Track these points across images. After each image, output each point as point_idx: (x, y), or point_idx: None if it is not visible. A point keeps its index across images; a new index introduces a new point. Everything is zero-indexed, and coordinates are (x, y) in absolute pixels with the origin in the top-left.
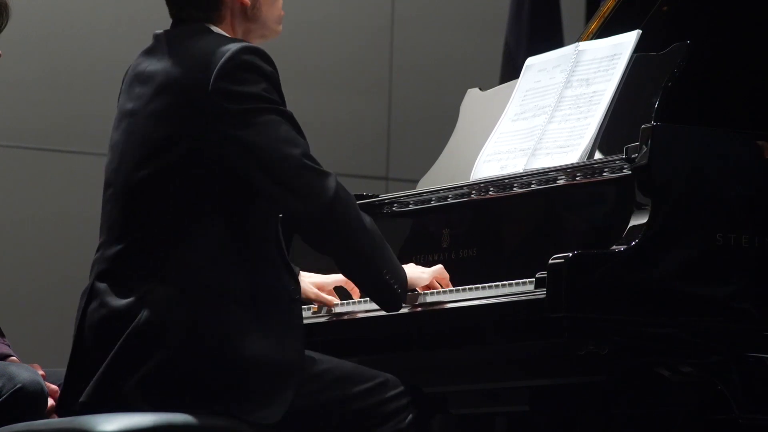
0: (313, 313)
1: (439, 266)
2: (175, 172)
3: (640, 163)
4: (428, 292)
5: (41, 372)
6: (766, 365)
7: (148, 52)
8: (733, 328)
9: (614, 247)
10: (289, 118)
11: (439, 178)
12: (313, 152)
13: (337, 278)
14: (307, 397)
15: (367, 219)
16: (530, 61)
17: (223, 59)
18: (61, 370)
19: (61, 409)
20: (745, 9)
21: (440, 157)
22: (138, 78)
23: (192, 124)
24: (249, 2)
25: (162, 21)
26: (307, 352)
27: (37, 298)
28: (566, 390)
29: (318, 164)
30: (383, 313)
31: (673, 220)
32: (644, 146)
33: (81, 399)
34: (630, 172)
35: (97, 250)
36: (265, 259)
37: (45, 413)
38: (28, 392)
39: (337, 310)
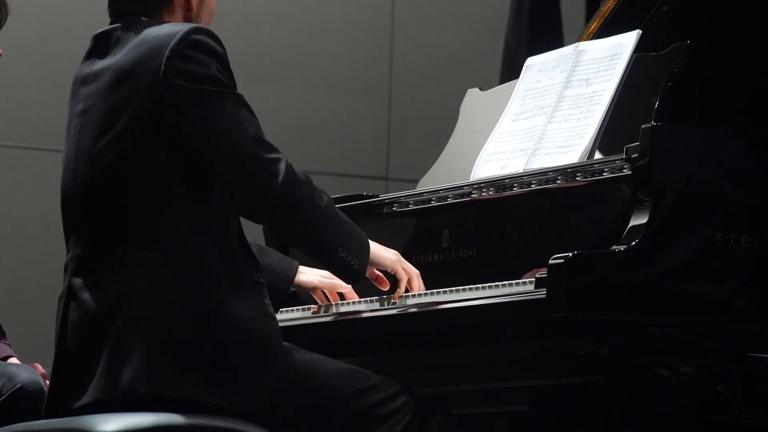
0: (313, 313)
1: (413, 269)
2: (137, 158)
3: (640, 163)
4: (428, 292)
5: (42, 371)
6: (766, 365)
7: (90, 55)
8: (733, 328)
9: (614, 247)
10: (241, 101)
11: (439, 178)
12: (314, 152)
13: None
14: (301, 397)
15: (323, 199)
16: (530, 61)
17: (174, 40)
18: None
19: (51, 410)
20: (745, 9)
21: (440, 157)
22: (84, 81)
23: (149, 109)
24: (193, 11)
25: None
26: (302, 352)
27: (37, 298)
28: (566, 390)
29: (270, 147)
30: (384, 313)
31: (673, 220)
32: (644, 146)
33: (82, 401)
34: (630, 172)
35: (67, 253)
36: (230, 240)
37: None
38: (27, 392)
39: (338, 309)
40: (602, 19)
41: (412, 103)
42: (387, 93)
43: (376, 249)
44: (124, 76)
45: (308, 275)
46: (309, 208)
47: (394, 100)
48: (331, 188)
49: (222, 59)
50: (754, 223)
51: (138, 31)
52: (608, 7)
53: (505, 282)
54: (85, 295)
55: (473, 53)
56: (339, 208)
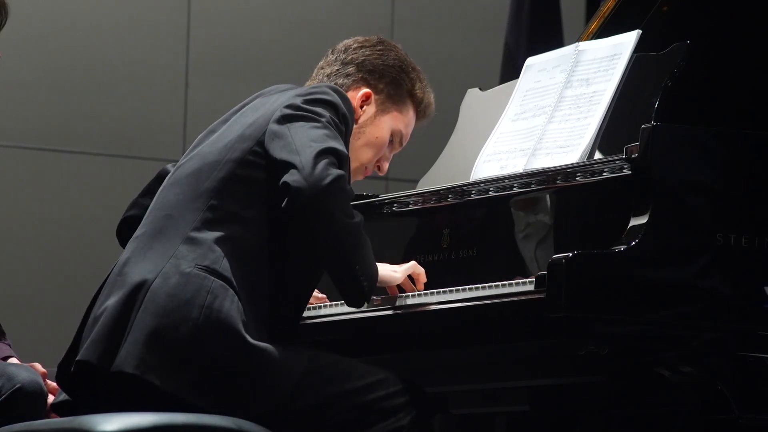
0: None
1: (413, 262)
2: (231, 167)
3: (640, 163)
4: (428, 292)
5: (41, 371)
6: (766, 365)
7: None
8: (733, 328)
9: (614, 247)
10: (331, 134)
11: (439, 178)
12: None
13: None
14: (305, 391)
15: (357, 217)
16: (530, 61)
17: (311, 87)
18: None
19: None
20: (745, 9)
21: (440, 157)
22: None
23: (260, 128)
24: (358, 116)
25: (160, 21)
26: (306, 348)
27: (37, 298)
28: (566, 390)
29: (332, 159)
30: (384, 313)
31: (673, 220)
32: (644, 146)
33: (80, 356)
34: (630, 172)
35: (137, 230)
36: (281, 276)
37: (44, 413)
38: (27, 392)
39: (338, 310)
40: (602, 19)
41: None
42: None
43: (384, 272)
44: (260, 105)
45: None
46: (342, 216)
47: None
48: None
49: (339, 112)
50: (754, 223)
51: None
52: (608, 7)
53: (505, 282)
54: (128, 269)
55: (473, 53)
56: None
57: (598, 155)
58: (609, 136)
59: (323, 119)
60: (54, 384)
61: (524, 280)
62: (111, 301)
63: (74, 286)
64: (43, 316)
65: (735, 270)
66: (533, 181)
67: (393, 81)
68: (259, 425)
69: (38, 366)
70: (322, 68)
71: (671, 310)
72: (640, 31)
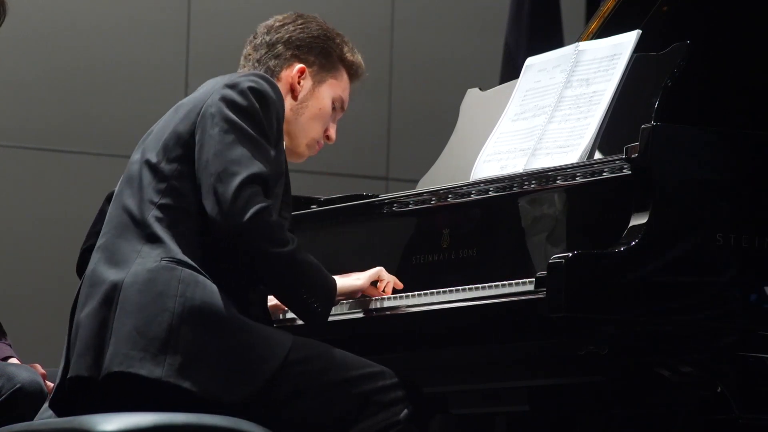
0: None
1: (379, 268)
2: (174, 165)
3: (640, 163)
4: (428, 292)
5: (41, 371)
6: (765, 365)
7: None
8: (733, 328)
9: (614, 247)
10: (262, 149)
11: (439, 178)
12: None
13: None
14: (301, 378)
15: (290, 243)
16: (530, 61)
17: (239, 75)
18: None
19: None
20: (745, 9)
21: (440, 157)
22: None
23: (192, 122)
24: (298, 93)
25: (160, 21)
26: (303, 338)
27: (37, 298)
28: (566, 390)
29: (261, 193)
30: (384, 313)
31: (672, 220)
32: (644, 146)
33: (70, 374)
34: (630, 172)
35: (99, 239)
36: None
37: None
38: (27, 392)
39: (339, 310)
40: (602, 19)
41: (412, 103)
42: (387, 93)
43: (343, 284)
44: (192, 100)
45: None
46: (272, 251)
47: (394, 100)
48: (331, 188)
49: (269, 104)
50: (754, 223)
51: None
52: (608, 7)
53: (505, 282)
54: (98, 278)
55: (473, 53)
56: (339, 208)
57: (598, 155)
58: (609, 136)
59: (253, 126)
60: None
61: (524, 280)
62: (87, 311)
63: (74, 287)
64: (43, 316)
65: (735, 270)
66: (533, 181)
67: (322, 51)
68: (259, 425)
69: (38, 367)
70: (250, 55)
71: (671, 310)
72: (640, 31)
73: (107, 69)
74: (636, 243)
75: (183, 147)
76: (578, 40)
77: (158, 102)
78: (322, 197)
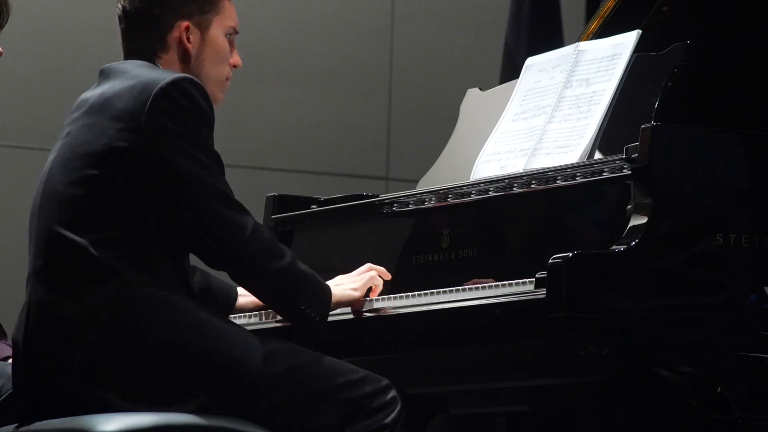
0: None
1: (372, 274)
2: (105, 181)
3: (640, 163)
4: (427, 292)
5: None
6: (765, 365)
7: (93, 88)
8: (733, 328)
9: (614, 247)
10: (217, 159)
11: (439, 178)
12: (314, 152)
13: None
14: (290, 387)
15: (286, 255)
16: (530, 61)
17: (163, 82)
18: None
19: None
20: (745, 9)
21: (440, 157)
22: (75, 108)
23: (123, 137)
24: (191, 51)
25: None
26: (285, 346)
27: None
28: (566, 390)
29: (238, 206)
30: (385, 313)
31: (673, 220)
32: (644, 146)
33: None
34: (630, 172)
35: (29, 263)
36: (178, 273)
37: None
38: None
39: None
40: (602, 19)
41: (412, 103)
42: (387, 93)
43: (338, 292)
44: (104, 103)
45: (247, 298)
46: (270, 270)
47: (394, 100)
48: (331, 188)
49: (205, 115)
50: (754, 223)
51: (133, 69)
52: (608, 7)
53: (505, 282)
54: (48, 312)
55: (473, 53)
56: (339, 208)
57: (598, 155)
58: (609, 136)
59: (202, 137)
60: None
61: (524, 280)
62: (47, 350)
63: None
64: None
65: (735, 270)
66: (533, 181)
67: None
68: (259, 426)
69: None
70: (130, 46)
71: (671, 310)
72: (640, 31)
73: None
74: (636, 243)
75: (115, 163)
76: (578, 40)
77: None
78: (322, 197)
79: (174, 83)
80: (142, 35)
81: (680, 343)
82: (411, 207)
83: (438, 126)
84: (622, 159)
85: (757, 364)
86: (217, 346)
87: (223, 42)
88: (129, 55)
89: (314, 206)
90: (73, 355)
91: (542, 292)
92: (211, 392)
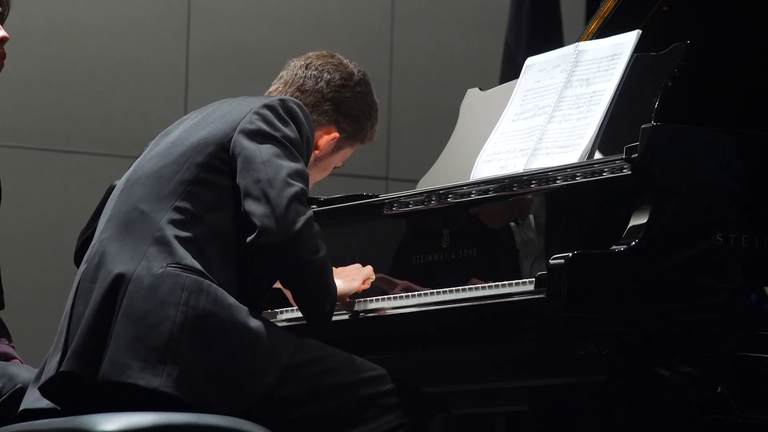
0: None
1: (369, 268)
2: (194, 171)
3: (640, 163)
4: (428, 292)
5: None
6: (765, 365)
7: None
8: (733, 328)
9: (614, 247)
10: (302, 170)
11: (439, 178)
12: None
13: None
14: (306, 381)
15: (322, 250)
16: (530, 61)
17: (273, 99)
18: None
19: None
20: (745, 9)
21: (440, 157)
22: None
23: (224, 135)
24: (321, 152)
25: (162, 21)
26: (308, 340)
27: (37, 298)
28: (566, 390)
29: (304, 203)
30: (385, 313)
31: (673, 220)
32: (644, 146)
33: (63, 367)
34: (630, 172)
35: (95, 237)
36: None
37: None
38: None
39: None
40: (602, 19)
41: (412, 103)
42: (387, 93)
43: (342, 287)
44: (218, 116)
45: None
46: (309, 260)
47: (394, 100)
48: (331, 188)
49: (303, 133)
50: (754, 223)
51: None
52: (608, 7)
53: (504, 282)
54: (103, 272)
55: (473, 53)
56: (339, 208)
57: (598, 155)
58: (609, 136)
59: (292, 146)
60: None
61: (524, 280)
62: (88, 309)
63: None
64: (44, 316)
65: (735, 270)
66: (533, 181)
67: (358, 125)
68: (259, 426)
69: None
70: (300, 88)
71: (671, 310)
72: (640, 31)
73: (107, 69)
74: (636, 243)
75: (208, 156)
76: (578, 40)
77: (158, 102)
78: (322, 197)
79: (282, 100)
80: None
81: (680, 343)
82: (411, 207)
83: (438, 126)
84: (622, 159)
85: (757, 364)
86: (239, 348)
87: (337, 162)
88: None
89: (314, 206)
90: (109, 319)
91: (542, 292)
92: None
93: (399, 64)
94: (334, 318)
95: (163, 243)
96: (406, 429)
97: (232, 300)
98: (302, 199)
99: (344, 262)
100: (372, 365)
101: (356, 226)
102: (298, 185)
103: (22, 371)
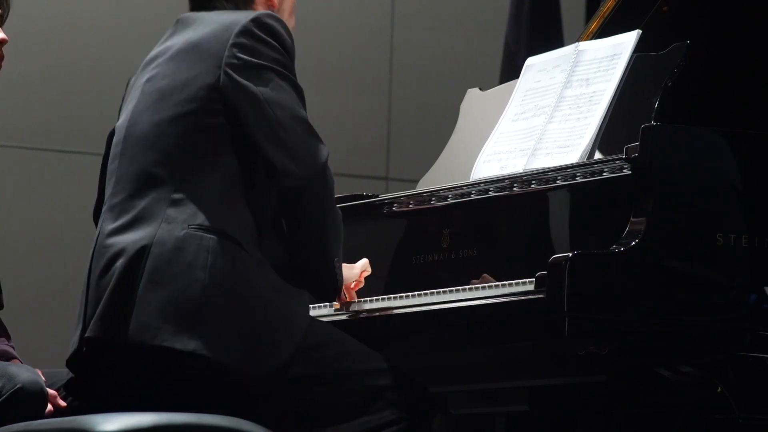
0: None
1: (365, 260)
2: (192, 119)
3: (640, 163)
4: (427, 292)
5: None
6: (765, 365)
7: (165, 39)
8: (733, 328)
9: (614, 247)
10: (299, 90)
11: (439, 178)
12: None
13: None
14: (316, 363)
15: (337, 210)
16: (530, 61)
17: (246, 20)
18: (61, 371)
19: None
20: (745, 9)
21: (440, 157)
22: (152, 58)
23: (209, 74)
24: (276, 3)
25: (162, 21)
26: (320, 322)
27: (37, 298)
28: (566, 390)
29: (316, 134)
30: (385, 313)
31: (673, 220)
32: (644, 146)
33: (89, 333)
34: (630, 172)
35: (105, 203)
36: (264, 217)
37: (44, 415)
38: (28, 392)
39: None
40: (602, 19)
41: (412, 103)
42: (387, 93)
43: (344, 269)
44: (191, 47)
45: None
46: (329, 206)
47: (394, 100)
48: None
49: (289, 50)
50: (754, 223)
51: (214, 15)
52: (608, 7)
53: (505, 282)
54: (116, 239)
55: (473, 53)
56: (339, 208)
57: (598, 155)
58: (609, 136)
59: (282, 68)
60: (53, 391)
61: (524, 280)
62: (108, 276)
63: (75, 287)
64: (44, 316)
65: (735, 270)
66: (533, 181)
67: None
68: (259, 426)
69: (39, 372)
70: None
71: (671, 310)
72: (640, 31)
73: (107, 69)
74: (636, 243)
75: (202, 100)
76: (578, 40)
77: None
78: None
79: (255, 20)
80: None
81: (680, 343)
82: (411, 207)
83: (438, 126)
84: (622, 159)
85: (757, 364)
86: (265, 310)
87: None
88: (205, 5)
89: None
90: (133, 283)
91: (542, 292)
92: (247, 349)
93: (399, 64)
94: (334, 318)
95: (180, 204)
96: (404, 425)
97: (255, 257)
98: (314, 132)
99: (344, 263)
100: (379, 357)
101: (356, 226)
102: (303, 118)
103: (22, 371)
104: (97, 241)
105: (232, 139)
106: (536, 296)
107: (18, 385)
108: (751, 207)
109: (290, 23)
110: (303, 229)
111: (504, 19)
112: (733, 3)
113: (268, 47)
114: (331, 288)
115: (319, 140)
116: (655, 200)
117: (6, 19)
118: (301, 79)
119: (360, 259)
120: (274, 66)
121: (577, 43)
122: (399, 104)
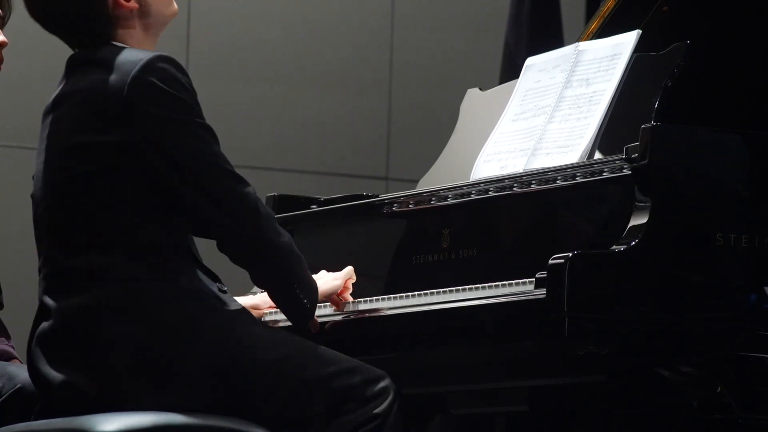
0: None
1: (350, 268)
2: (103, 177)
3: (640, 163)
4: (427, 292)
5: None
6: (765, 365)
7: (61, 81)
8: (733, 328)
9: (614, 247)
10: (209, 130)
11: (439, 178)
12: (314, 152)
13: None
14: (277, 379)
15: (285, 234)
16: (530, 61)
17: (137, 67)
18: None
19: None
20: (745, 9)
21: (440, 157)
22: (46, 111)
23: (106, 131)
24: (137, 5)
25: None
26: (275, 334)
27: (36, 298)
28: (566, 390)
29: (239, 178)
30: (385, 313)
31: (672, 220)
32: (644, 146)
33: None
34: (630, 172)
35: (39, 272)
36: (181, 266)
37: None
38: (27, 393)
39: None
40: (602, 19)
41: (412, 103)
42: (387, 93)
43: (322, 285)
44: (78, 98)
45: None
46: (273, 242)
47: (394, 100)
48: (331, 188)
49: (187, 87)
50: (754, 223)
51: (103, 54)
52: (608, 7)
53: (505, 282)
54: (61, 307)
55: (473, 53)
56: (339, 208)
57: (598, 155)
58: (609, 136)
59: (190, 109)
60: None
61: (524, 280)
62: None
63: None
64: None
65: (735, 270)
66: (533, 181)
67: None
68: (259, 426)
69: None
70: (78, 39)
71: (671, 310)
72: (640, 31)
73: None
74: (636, 243)
75: (100, 158)
76: (578, 40)
77: None
78: (322, 197)
79: (146, 67)
80: (84, 24)
81: (680, 343)
82: (411, 207)
83: (438, 126)
84: (622, 159)
85: (757, 364)
86: (219, 337)
87: None
88: (83, 42)
89: (314, 206)
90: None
91: (542, 292)
92: (206, 379)
93: (399, 64)
94: (334, 318)
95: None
96: (381, 419)
97: (200, 303)
98: (240, 179)
99: (344, 263)
100: (343, 357)
101: (356, 226)
102: (227, 168)
103: (22, 371)
104: (41, 310)
105: (147, 192)
106: (536, 296)
107: (18, 385)
108: (751, 207)
109: (172, 9)
110: (255, 269)
111: (504, 19)
112: (733, 3)
113: (166, 94)
114: (300, 315)
115: (240, 182)
116: (655, 200)
117: (7, 21)
118: (302, 79)
119: (360, 259)
120: (175, 115)
121: (577, 43)
122: (399, 104)
